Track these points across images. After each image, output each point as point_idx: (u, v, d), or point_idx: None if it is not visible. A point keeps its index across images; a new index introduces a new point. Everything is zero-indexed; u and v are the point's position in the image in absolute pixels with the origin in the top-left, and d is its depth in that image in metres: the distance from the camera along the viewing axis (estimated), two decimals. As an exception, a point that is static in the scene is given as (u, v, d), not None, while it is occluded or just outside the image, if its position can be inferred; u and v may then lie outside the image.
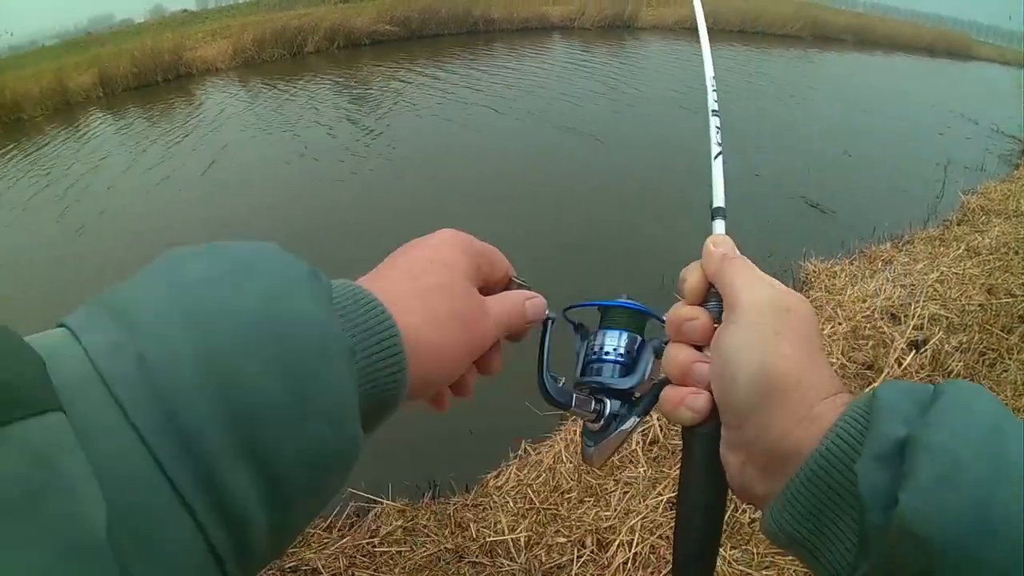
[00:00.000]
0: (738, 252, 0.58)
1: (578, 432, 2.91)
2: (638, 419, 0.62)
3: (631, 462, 2.89)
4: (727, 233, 0.62)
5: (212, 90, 15.14)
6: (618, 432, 0.62)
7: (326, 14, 18.63)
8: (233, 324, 0.36)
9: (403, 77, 13.91)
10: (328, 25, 17.91)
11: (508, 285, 0.61)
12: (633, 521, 2.61)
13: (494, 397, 2.94)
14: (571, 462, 2.93)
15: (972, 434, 0.39)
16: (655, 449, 2.96)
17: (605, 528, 2.62)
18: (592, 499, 2.77)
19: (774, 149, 8.52)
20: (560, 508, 2.75)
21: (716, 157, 0.69)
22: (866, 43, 21.73)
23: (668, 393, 0.56)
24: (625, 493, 2.75)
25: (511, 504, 2.80)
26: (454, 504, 2.88)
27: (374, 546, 2.68)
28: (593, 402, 0.62)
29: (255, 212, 7.30)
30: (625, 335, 0.64)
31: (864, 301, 4.22)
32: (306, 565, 2.59)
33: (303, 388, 0.36)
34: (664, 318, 0.61)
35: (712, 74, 0.80)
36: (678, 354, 0.57)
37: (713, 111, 0.75)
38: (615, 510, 2.67)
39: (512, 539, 2.61)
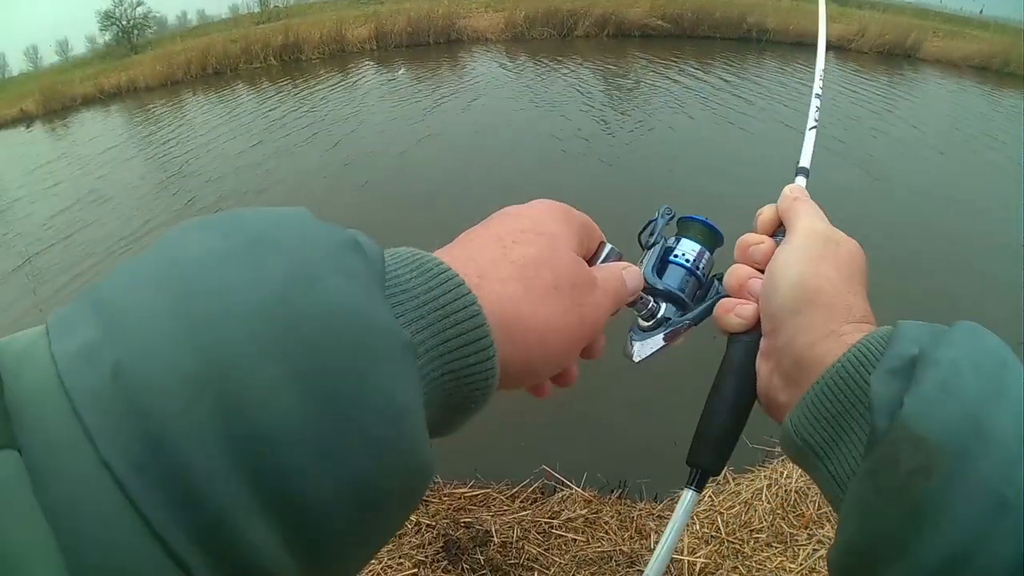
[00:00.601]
0: (810, 199, 0.63)
1: (791, 475, 2.97)
2: (690, 324, 0.62)
3: (830, 520, 2.71)
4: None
5: (480, 58, 15.27)
6: (668, 332, 0.61)
7: (600, 1, 18.33)
8: (240, 319, 0.26)
9: (670, 74, 13.12)
10: (600, 12, 17.68)
11: (598, 251, 0.53)
12: (816, 581, 2.53)
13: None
14: (770, 503, 2.82)
15: (977, 356, 0.40)
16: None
17: (784, 580, 2.57)
18: (780, 546, 2.65)
19: None
20: (745, 546, 2.66)
21: (811, 129, 0.81)
22: None
23: (723, 302, 0.60)
24: (815, 551, 2.60)
25: (697, 526, 2.75)
26: (639, 509, 2.85)
27: (552, 527, 2.69)
28: (651, 301, 0.61)
29: (508, 178, 7.12)
30: (698, 247, 0.65)
31: None
32: (480, 524, 2.64)
33: (339, 404, 0.27)
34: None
35: (822, 65, 0.91)
36: (739, 270, 0.60)
37: (817, 94, 0.86)
38: (800, 565, 2.54)
39: (688, 560, 2.55)
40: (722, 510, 2.80)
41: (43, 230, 6.79)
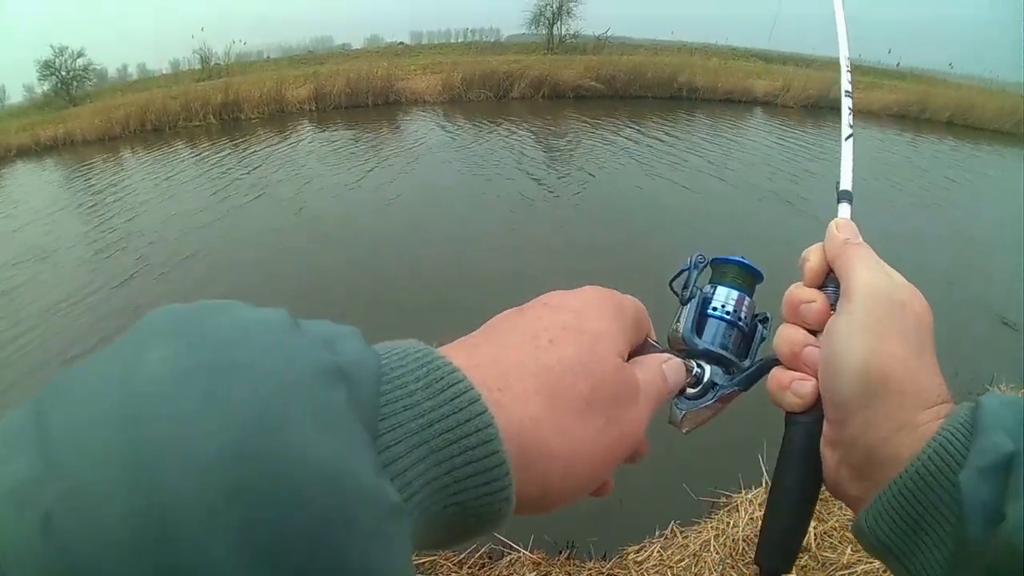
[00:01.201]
0: (861, 238, 0.56)
1: (737, 524, 2.99)
2: (739, 390, 0.56)
3: (778, 567, 2.70)
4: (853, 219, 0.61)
5: (418, 120, 15.59)
6: (716, 399, 0.55)
7: (535, 63, 18.96)
8: (186, 473, 0.22)
9: (603, 134, 13.80)
10: (536, 74, 18.25)
11: (643, 346, 0.46)
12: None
13: (652, 473, 3.16)
14: (718, 552, 2.83)
15: None
16: (805, 558, 2.76)
17: (738, 629, 2.49)
18: (732, 596, 2.67)
19: (975, 258, 7.51)
20: (696, 598, 2.66)
21: (847, 139, 0.68)
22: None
23: (777, 374, 0.54)
24: (765, 597, 2.57)
25: (648, 583, 2.70)
26: (588, 569, 2.83)
27: (502, 592, 2.59)
28: (695, 366, 0.56)
29: (472, 240, 7.38)
30: (737, 293, 0.59)
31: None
32: (431, 594, 2.55)
33: None
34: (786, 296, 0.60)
35: (847, 55, 0.76)
36: (791, 335, 0.54)
37: (847, 92, 0.73)
38: (752, 612, 2.55)
39: (642, 617, 2.51)
40: (671, 564, 2.80)
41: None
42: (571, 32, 28.37)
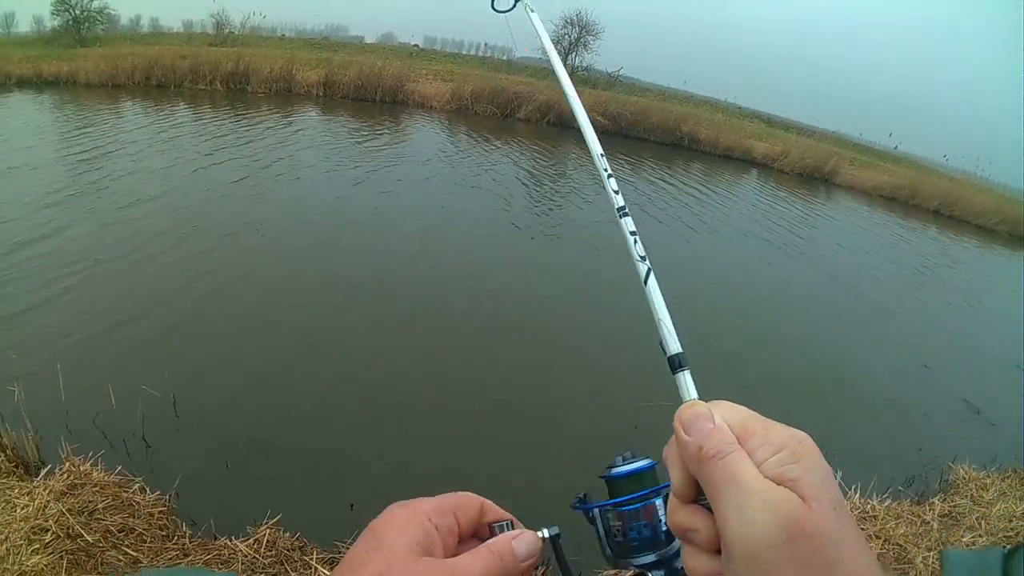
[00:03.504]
0: (718, 435, 0.45)
1: None
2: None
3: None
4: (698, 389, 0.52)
5: (421, 124, 15.71)
6: None
7: (545, 89, 19.09)
8: None
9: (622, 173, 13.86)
10: (544, 99, 18.48)
11: (490, 533, 0.51)
12: None
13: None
14: None
15: None
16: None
17: None
18: None
19: (949, 346, 7.99)
20: None
21: (647, 277, 0.56)
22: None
23: None
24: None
25: None
26: None
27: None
28: None
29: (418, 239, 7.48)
30: (625, 510, 0.54)
31: (1011, 520, 4.02)
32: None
33: None
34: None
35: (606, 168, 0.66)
36: (695, 565, 0.47)
37: (619, 209, 0.61)
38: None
39: None
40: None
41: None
42: (584, 64, 28.72)
